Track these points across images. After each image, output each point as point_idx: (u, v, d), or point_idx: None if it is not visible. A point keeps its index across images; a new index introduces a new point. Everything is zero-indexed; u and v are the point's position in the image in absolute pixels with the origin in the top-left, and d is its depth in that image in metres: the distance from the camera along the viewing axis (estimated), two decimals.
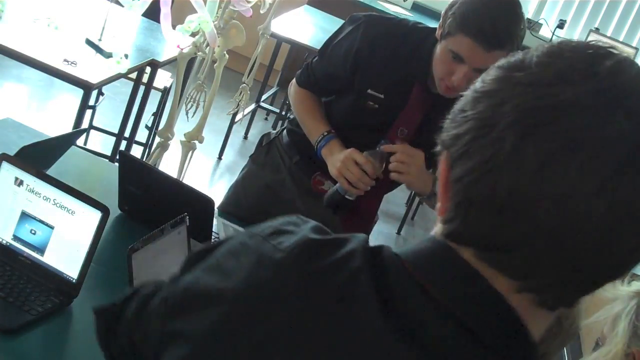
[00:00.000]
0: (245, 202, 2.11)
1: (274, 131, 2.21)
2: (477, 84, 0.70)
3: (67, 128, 3.27)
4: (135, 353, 0.84)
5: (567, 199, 0.59)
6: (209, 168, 4.51)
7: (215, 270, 0.75)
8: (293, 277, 0.69)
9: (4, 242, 1.56)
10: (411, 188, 1.94)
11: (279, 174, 2.06)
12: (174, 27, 3.09)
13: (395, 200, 4.59)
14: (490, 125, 0.63)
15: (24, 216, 1.54)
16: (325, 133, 1.90)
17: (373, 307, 0.65)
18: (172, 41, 3.33)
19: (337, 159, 1.83)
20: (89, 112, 3.89)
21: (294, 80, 2.06)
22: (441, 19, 1.76)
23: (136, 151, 3.90)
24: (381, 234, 4.33)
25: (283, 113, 5.07)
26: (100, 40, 3.04)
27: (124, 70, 2.95)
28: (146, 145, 3.99)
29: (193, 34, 3.23)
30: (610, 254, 0.62)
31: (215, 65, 3.28)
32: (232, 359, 0.69)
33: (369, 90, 1.86)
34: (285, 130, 2.12)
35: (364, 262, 0.67)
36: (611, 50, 0.65)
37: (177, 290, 0.77)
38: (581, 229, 0.60)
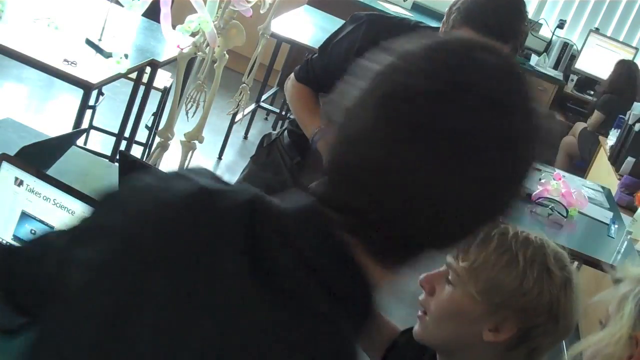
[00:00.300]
0: None
1: (275, 132, 2.20)
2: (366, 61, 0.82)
3: (67, 128, 3.27)
4: (36, 285, 0.86)
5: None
6: (209, 168, 4.50)
7: (115, 206, 0.81)
8: (176, 221, 0.76)
9: (4, 242, 1.56)
10: None
11: (280, 174, 2.05)
12: (174, 27, 3.09)
13: None
14: (357, 102, 0.75)
15: (24, 216, 1.54)
16: (323, 127, 1.90)
17: (240, 259, 0.72)
18: (172, 41, 3.33)
19: None
20: (89, 112, 3.88)
21: (291, 75, 2.06)
22: (445, 15, 1.76)
23: (136, 151, 3.90)
24: None
25: (283, 113, 5.07)
26: (100, 40, 3.04)
27: (123, 70, 2.95)
28: (146, 145, 3.99)
29: (193, 34, 3.23)
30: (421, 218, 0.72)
31: (215, 65, 3.28)
32: (114, 291, 0.74)
33: None
34: (286, 131, 2.11)
35: (241, 215, 0.75)
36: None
37: (80, 224, 0.83)
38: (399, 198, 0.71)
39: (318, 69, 2.00)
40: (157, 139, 3.35)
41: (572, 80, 6.25)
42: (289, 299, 0.72)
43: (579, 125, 5.92)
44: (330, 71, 1.97)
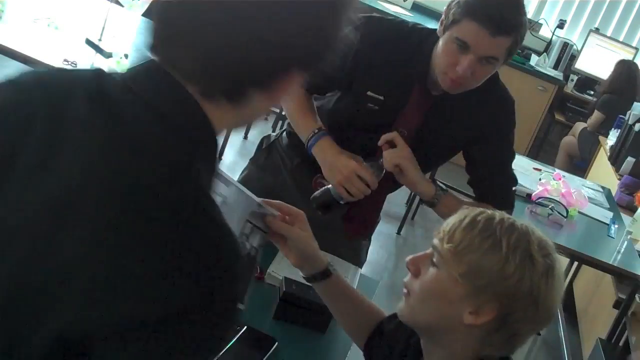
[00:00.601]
0: None
1: (274, 134, 2.18)
2: None
3: None
4: None
5: None
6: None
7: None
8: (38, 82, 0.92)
9: None
10: (413, 189, 1.94)
11: (279, 176, 2.04)
12: None
13: (395, 200, 4.59)
14: None
15: None
16: (316, 130, 1.86)
17: (91, 106, 0.84)
18: None
19: (336, 166, 1.80)
20: None
21: None
22: (444, 13, 1.78)
23: None
24: (381, 234, 4.33)
25: (283, 113, 5.07)
26: (100, 40, 3.04)
27: (123, 70, 2.95)
28: None
29: None
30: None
31: None
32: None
33: (369, 92, 1.85)
34: (285, 133, 2.10)
35: (91, 76, 0.89)
36: None
37: None
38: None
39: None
40: None
41: (572, 80, 6.25)
42: (134, 140, 0.82)
43: (579, 125, 5.92)
44: (326, 74, 1.95)
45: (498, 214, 1.21)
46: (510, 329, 1.18)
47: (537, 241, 1.19)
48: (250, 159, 2.18)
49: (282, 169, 2.05)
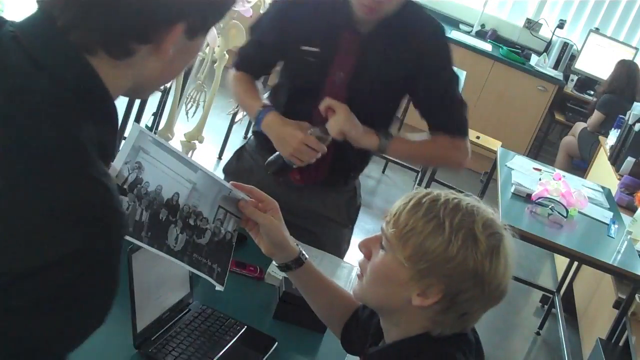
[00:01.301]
0: None
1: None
2: None
3: None
4: None
5: None
6: (209, 168, 4.48)
7: None
8: None
9: None
10: (358, 146, 1.95)
11: (254, 176, 2.06)
12: None
13: (394, 200, 4.59)
14: None
15: None
16: (261, 108, 1.94)
17: None
18: None
19: (283, 136, 1.87)
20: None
21: (232, 68, 2.11)
22: None
23: None
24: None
25: None
26: None
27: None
28: None
29: None
30: None
31: (215, 65, 3.28)
32: None
33: (303, 47, 1.91)
34: (252, 134, 2.15)
35: None
36: None
37: None
38: None
39: (250, 49, 2.06)
40: None
41: (572, 80, 6.25)
42: (14, 87, 0.82)
43: (579, 125, 5.92)
44: (262, 43, 2.03)
45: (444, 195, 1.21)
46: (459, 309, 1.19)
47: (482, 221, 1.18)
48: (223, 168, 2.21)
49: (254, 168, 2.08)
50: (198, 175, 1.27)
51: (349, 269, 1.98)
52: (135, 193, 1.17)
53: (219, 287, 1.33)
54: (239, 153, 2.18)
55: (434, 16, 1.99)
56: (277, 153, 1.88)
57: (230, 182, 1.37)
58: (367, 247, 1.27)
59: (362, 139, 1.90)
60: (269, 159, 1.90)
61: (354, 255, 2.06)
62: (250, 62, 2.07)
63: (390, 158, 5.27)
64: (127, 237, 1.10)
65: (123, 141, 1.17)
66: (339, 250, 2.12)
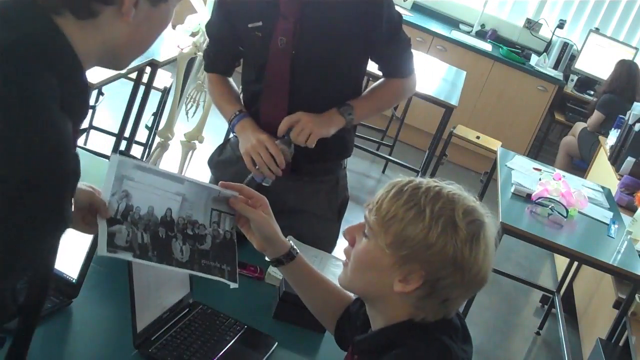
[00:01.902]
0: None
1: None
2: None
3: None
4: None
5: None
6: (209, 168, 4.50)
7: None
8: None
9: None
10: (330, 134, 1.97)
11: (233, 167, 2.11)
12: (174, 27, 3.09)
13: None
14: None
15: None
16: (237, 112, 2.00)
17: None
18: (172, 41, 3.33)
19: (249, 139, 1.92)
20: (89, 111, 3.88)
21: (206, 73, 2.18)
22: None
23: (136, 151, 3.90)
24: None
25: None
26: None
27: (123, 70, 2.95)
28: (146, 145, 3.99)
29: (193, 34, 3.23)
30: None
31: None
32: None
33: (249, 25, 1.95)
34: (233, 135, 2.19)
35: None
36: None
37: None
38: None
39: (211, 48, 2.13)
40: (157, 139, 3.36)
41: (572, 80, 6.25)
42: None
43: (579, 125, 5.92)
44: (217, 38, 2.09)
45: (425, 183, 1.23)
46: (440, 295, 1.20)
47: (463, 208, 1.20)
48: (207, 160, 2.27)
49: (233, 160, 2.13)
50: (185, 186, 1.34)
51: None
52: (130, 220, 1.24)
53: (233, 285, 1.37)
54: (222, 146, 2.24)
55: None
56: (250, 175, 1.91)
57: (220, 182, 1.41)
58: (351, 235, 1.29)
59: (330, 128, 1.94)
60: (244, 182, 1.90)
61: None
62: (215, 60, 2.13)
63: (391, 158, 5.28)
64: (137, 261, 1.24)
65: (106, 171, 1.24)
66: (324, 245, 2.11)
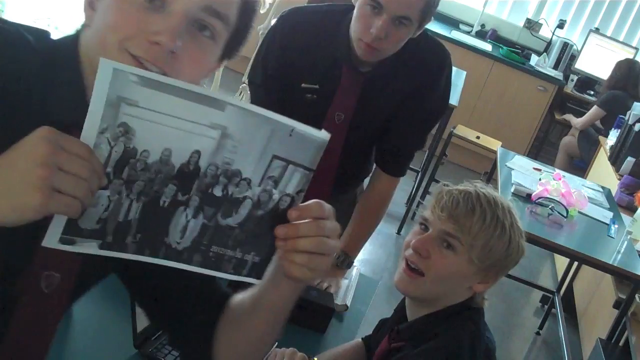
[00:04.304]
0: None
1: None
2: None
3: None
4: None
5: None
6: None
7: None
8: None
9: None
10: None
11: None
12: None
13: (395, 200, 4.59)
14: None
15: None
16: None
17: None
18: None
19: None
20: None
21: None
22: None
23: None
24: (381, 234, 4.33)
25: None
26: None
27: None
28: None
29: None
30: None
31: None
32: None
33: (303, 84, 1.83)
34: None
35: None
36: None
37: None
38: None
39: (257, 96, 1.94)
40: None
41: (572, 80, 6.25)
42: None
43: (570, 118, 5.94)
44: (268, 85, 1.90)
45: (492, 196, 1.44)
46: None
47: (514, 211, 1.47)
48: None
49: None
50: (228, 113, 0.81)
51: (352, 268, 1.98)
52: (126, 177, 0.80)
53: (254, 282, 0.95)
54: None
55: (439, 43, 1.91)
56: None
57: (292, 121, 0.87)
58: (425, 248, 1.40)
59: (336, 279, 1.92)
60: None
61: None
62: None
63: None
64: (104, 253, 0.82)
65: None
66: None
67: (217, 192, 0.84)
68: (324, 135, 0.86)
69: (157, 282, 1.07)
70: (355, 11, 1.74)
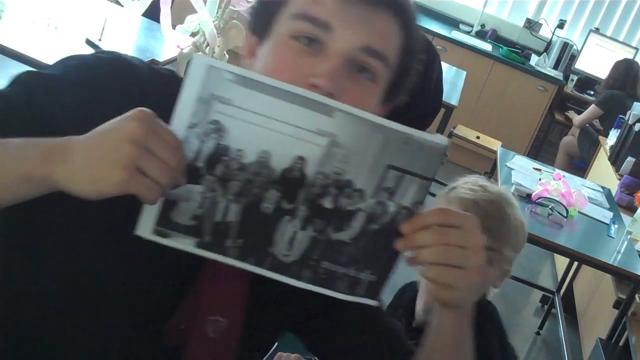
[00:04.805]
0: None
1: None
2: None
3: None
4: None
5: None
6: None
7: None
8: None
9: None
10: None
11: None
12: (174, 27, 3.09)
13: None
14: None
15: None
16: None
17: None
18: (172, 41, 3.33)
19: None
20: None
21: None
22: None
23: None
24: None
25: None
26: (100, 40, 3.04)
27: None
28: None
29: (193, 34, 3.23)
30: None
31: None
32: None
33: None
34: None
35: None
36: None
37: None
38: None
39: None
40: None
41: (572, 80, 6.25)
42: None
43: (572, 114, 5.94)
44: None
45: (504, 195, 1.50)
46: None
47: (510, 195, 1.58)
48: None
49: None
50: (337, 120, 0.75)
51: None
52: (220, 174, 0.76)
53: (370, 303, 0.87)
54: None
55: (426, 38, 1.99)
56: None
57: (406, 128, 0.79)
58: None
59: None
60: None
61: None
62: None
63: None
64: (201, 252, 0.79)
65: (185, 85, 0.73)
66: None
67: (327, 203, 0.79)
68: (443, 141, 0.80)
69: (340, 340, 1.02)
70: None
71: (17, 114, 0.83)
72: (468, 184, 1.49)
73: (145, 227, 0.76)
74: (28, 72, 0.88)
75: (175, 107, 0.73)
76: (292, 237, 0.79)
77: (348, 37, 0.86)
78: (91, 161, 0.71)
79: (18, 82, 0.87)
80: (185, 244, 0.78)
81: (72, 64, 0.90)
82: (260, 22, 0.91)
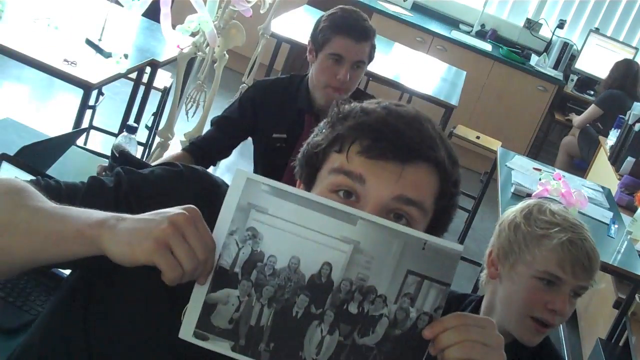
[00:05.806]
0: None
1: None
2: None
3: (67, 128, 3.26)
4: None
5: None
6: (208, 168, 4.49)
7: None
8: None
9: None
10: None
11: None
12: (174, 27, 3.09)
13: None
14: None
15: None
16: None
17: None
18: (172, 41, 3.32)
19: None
20: (89, 112, 3.88)
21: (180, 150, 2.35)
22: (311, 39, 2.27)
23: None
24: None
25: None
26: (100, 40, 3.04)
27: (123, 70, 2.95)
28: (146, 145, 3.99)
29: (193, 34, 3.23)
30: None
31: (215, 65, 3.28)
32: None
33: (274, 135, 2.25)
34: None
35: None
36: None
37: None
38: None
39: (215, 133, 2.36)
40: (157, 139, 3.35)
41: (572, 80, 6.25)
42: None
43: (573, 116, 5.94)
44: (234, 123, 2.34)
45: (513, 215, 1.56)
46: None
47: None
48: None
49: None
50: (360, 228, 0.83)
51: None
52: (254, 279, 0.83)
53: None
54: None
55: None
56: None
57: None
58: (568, 310, 1.47)
59: None
60: None
61: None
62: (210, 150, 2.31)
63: None
64: (236, 356, 0.84)
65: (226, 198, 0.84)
66: None
67: (353, 309, 0.83)
68: (458, 247, 0.84)
69: None
70: (316, 65, 2.22)
71: (105, 195, 0.99)
72: (556, 228, 1.44)
73: (188, 331, 0.83)
74: (124, 167, 1.04)
75: (220, 215, 0.83)
76: (320, 342, 0.84)
77: (381, 189, 0.92)
78: (134, 230, 0.82)
79: (117, 173, 1.02)
80: (222, 347, 0.83)
81: (162, 167, 1.05)
82: (306, 173, 1.01)
